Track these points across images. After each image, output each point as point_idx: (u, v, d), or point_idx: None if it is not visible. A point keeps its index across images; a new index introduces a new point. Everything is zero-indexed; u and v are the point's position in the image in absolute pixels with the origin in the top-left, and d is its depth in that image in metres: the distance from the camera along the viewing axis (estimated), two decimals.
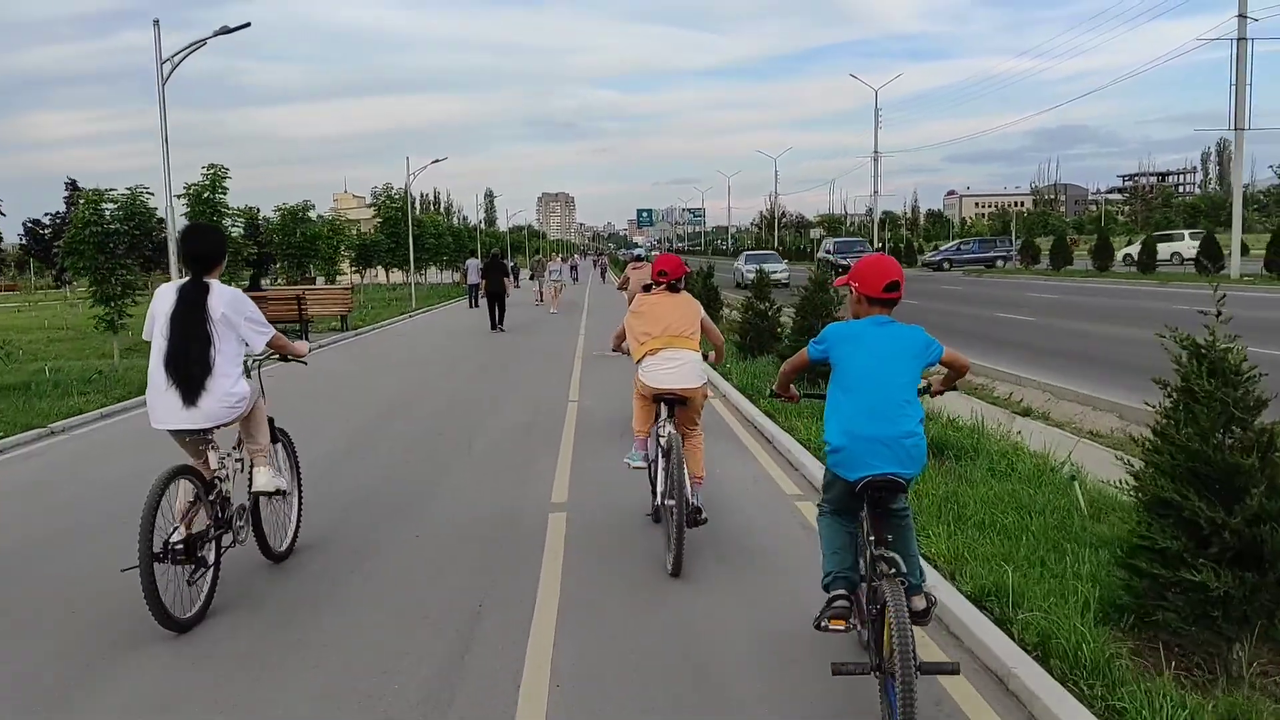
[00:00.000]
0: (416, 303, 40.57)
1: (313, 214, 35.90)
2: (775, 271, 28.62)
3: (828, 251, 52.28)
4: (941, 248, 71.34)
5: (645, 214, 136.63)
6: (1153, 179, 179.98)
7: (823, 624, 4.17)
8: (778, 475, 8.69)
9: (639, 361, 6.51)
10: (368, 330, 27.40)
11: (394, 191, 47.05)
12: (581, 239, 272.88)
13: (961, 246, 66.18)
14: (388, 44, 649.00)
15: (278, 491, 6.01)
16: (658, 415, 6.51)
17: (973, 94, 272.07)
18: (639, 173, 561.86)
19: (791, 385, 4.95)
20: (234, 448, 6.01)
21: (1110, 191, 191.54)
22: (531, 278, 51.15)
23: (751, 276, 20.03)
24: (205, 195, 25.01)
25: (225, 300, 5.48)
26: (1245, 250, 40.81)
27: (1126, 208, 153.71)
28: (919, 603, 4.09)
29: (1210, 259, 37.90)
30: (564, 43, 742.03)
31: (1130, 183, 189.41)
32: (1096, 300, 29.20)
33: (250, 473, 5.96)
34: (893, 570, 3.86)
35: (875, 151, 68.57)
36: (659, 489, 6.30)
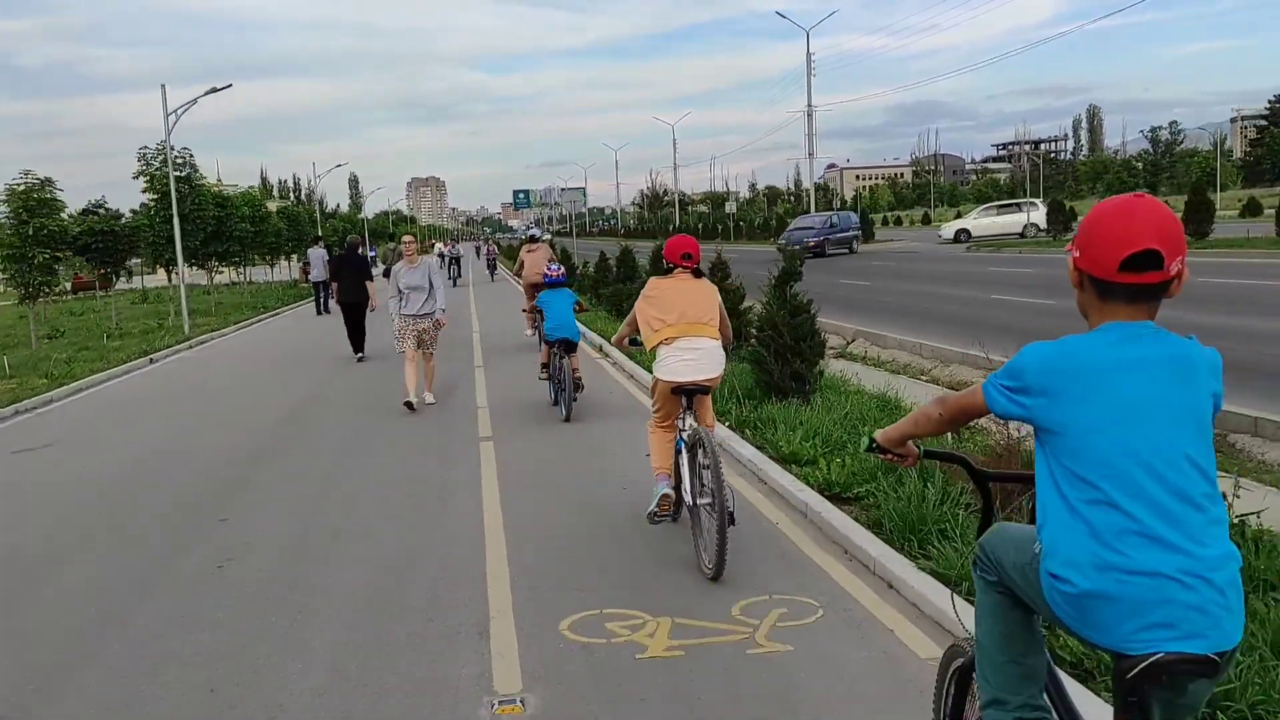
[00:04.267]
0: (202, 321, 24.72)
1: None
2: None
3: None
4: (800, 222, 45.96)
5: (522, 195, 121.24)
6: (1027, 147, 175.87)
7: None
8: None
9: (653, 351, 5.73)
10: None
11: (177, 153, 30.56)
12: (455, 223, 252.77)
13: (834, 220, 44.95)
14: (245, 27, 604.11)
15: None
16: (676, 406, 5.72)
17: (837, 69, 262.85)
18: (511, 155, 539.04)
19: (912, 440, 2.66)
20: None
21: (986, 160, 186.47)
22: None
23: None
24: None
25: None
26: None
27: (1019, 174, 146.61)
28: None
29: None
30: (430, 23, 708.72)
31: (1005, 150, 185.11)
32: None
33: None
34: None
35: (809, 105, 55.02)
36: (686, 487, 5.46)
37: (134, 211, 35.59)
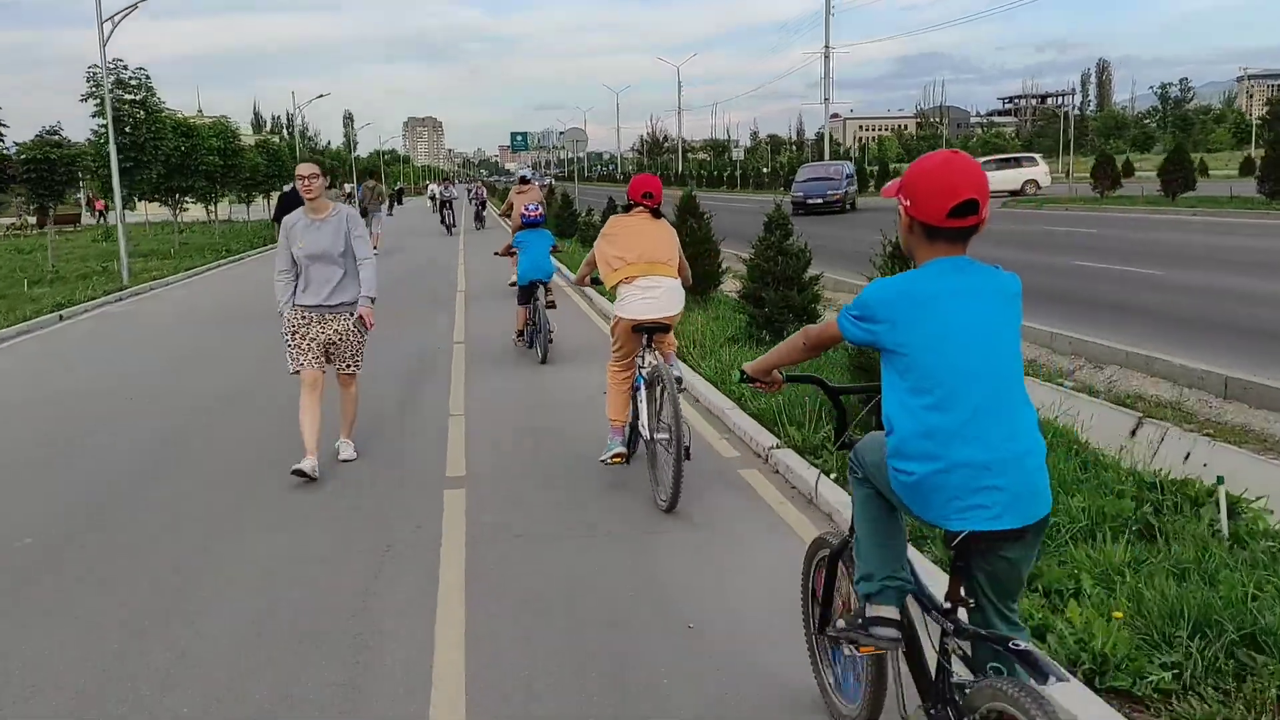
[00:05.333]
0: (156, 265, 21.35)
1: None
2: None
3: None
4: (812, 172, 38.58)
5: (520, 137, 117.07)
6: (1034, 101, 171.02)
7: (852, 652, 2.83)
8: None
9: (613, 289, 5.61)
10: None
11: (130, 74, 26.86)
12: (451, 165, 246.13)
13: (848, 170, 39.02)
14: None
15: None
16: (637, 345, 5.67)
17: (836, 16, 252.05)
18: (509, 97, 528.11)
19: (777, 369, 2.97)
20: None
21: (992, 114, 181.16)
22: (364, 213, 24.94)
23: None
24: None
25: None
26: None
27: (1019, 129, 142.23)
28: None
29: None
30: None
31: (1011, 104, 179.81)
32: None
33: None
34: (1023, 664, 2.15)
35: (826, 47, 51.01)
36: (643, 422, 5.48)
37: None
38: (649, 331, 5.57)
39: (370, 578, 4.42)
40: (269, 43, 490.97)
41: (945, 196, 2.32)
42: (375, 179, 30.05)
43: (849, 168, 39.99)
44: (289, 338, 6.01)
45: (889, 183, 2.58)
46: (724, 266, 13.19)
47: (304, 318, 6.01)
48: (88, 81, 25.77)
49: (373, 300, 6.03)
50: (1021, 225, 25.13)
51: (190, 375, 9.60)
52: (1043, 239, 20.92)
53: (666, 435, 5.14)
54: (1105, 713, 3.07)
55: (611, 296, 5.78)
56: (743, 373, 3.01)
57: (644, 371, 5.58)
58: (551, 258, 10.02)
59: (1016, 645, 2.15)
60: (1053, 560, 4.23)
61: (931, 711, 2.51)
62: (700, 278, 12.92)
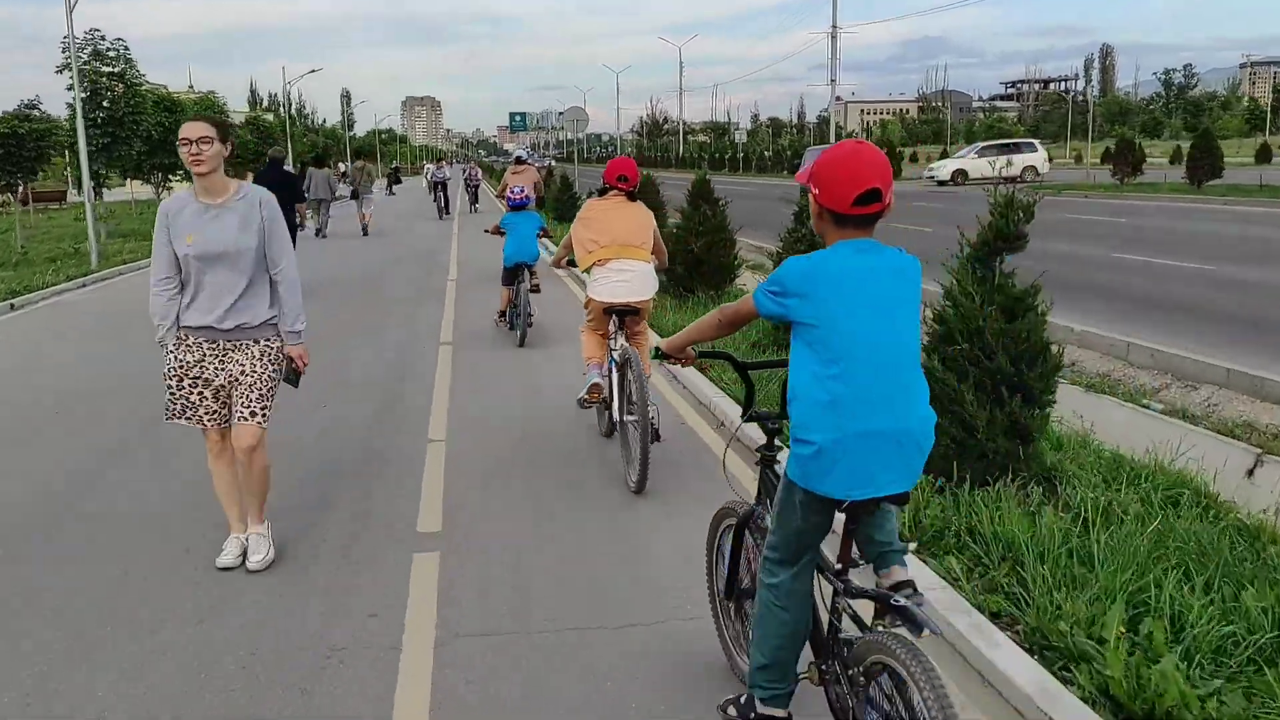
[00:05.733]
0: (133, 247, 19.96)
1: None
2: None
3: None
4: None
5: (519, 118, 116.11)
6: (1036, 86, 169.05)
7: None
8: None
9: (587, 272, 5.72)
10: None
11: (109, 45, 25.45)
12: (449, 145, 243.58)
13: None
14: None
15: None
16: (607, 324, 5.71)
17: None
18: (508, 79, 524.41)
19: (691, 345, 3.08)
20: None
21: (994, 98, 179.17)
22: (354, 195, 24.75)
23: None
24: None
25: None
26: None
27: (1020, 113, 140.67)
28: (900, 574, 2.70)
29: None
30: None
31: (1014, 89, 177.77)
32: None
33: None
34: (901, 619, 2.31)
35: (834, 26, 49.43)
36: (615, 404, 5.59)
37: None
38: (620, 314, 5.60)
39: (298, 711, 3.20)
40: (267, 24, 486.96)
41: (850, 186, 2.41)
42: (366, 160, 28.76)
43: None
44: (172, 381, 4.13)
45: (801, 170, 2.62)
46: (738, 258, 11.97)
47: (190, 348, 4.11)
48: (63, 52, 24.37)
49: (298, 335, 4.22)
50: (1044, 213, 23.82)
51: (133, 384, 8.24)
52: (1071, 228, 19.71)
53: (636, 417, 5.13)
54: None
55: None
56: (658, 349, 3.11)
57: (614, 354, 5.61)
58: (540, 241, 9.85)
59: (896, 602, 2.32)
60: (1243, 695, 3.04)
61: (823, 667, 2.67)
62: (715, 270, 11.71)
